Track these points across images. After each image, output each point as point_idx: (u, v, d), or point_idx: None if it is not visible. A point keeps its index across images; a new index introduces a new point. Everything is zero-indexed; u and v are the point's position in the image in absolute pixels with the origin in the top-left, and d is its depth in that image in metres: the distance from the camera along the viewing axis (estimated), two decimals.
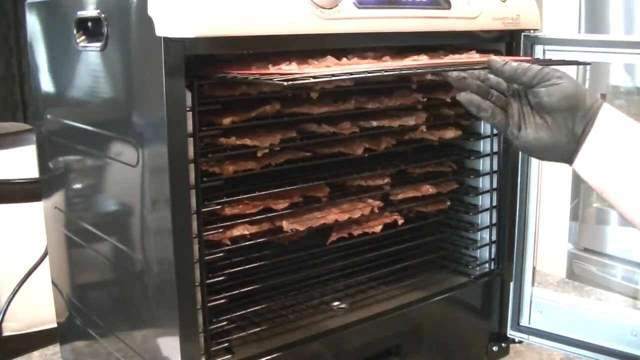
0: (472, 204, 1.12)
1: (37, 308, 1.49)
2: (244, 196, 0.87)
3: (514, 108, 0.80)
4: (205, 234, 0.81)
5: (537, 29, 1.00)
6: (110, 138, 0.86)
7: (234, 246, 0.86)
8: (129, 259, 0.85)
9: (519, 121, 0.80)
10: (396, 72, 0.82)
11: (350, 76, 0.78)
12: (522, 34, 0.99)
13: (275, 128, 0.89)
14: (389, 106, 0.98)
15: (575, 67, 2.25)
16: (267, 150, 0.86)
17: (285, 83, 0.69)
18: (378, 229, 1.01)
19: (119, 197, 0.89)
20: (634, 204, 0.72)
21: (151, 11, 0.71)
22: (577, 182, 2.18)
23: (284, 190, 0.91)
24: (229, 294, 0.85)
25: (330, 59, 0.82)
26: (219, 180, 0.83)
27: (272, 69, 0.78)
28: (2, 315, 1.27)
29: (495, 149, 1.07)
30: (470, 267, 1.10)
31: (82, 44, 0.87)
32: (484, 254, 1.11)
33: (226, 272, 0.84)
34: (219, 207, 0.83)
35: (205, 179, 0.80)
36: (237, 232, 0.86)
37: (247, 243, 0.88)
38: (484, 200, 1.10)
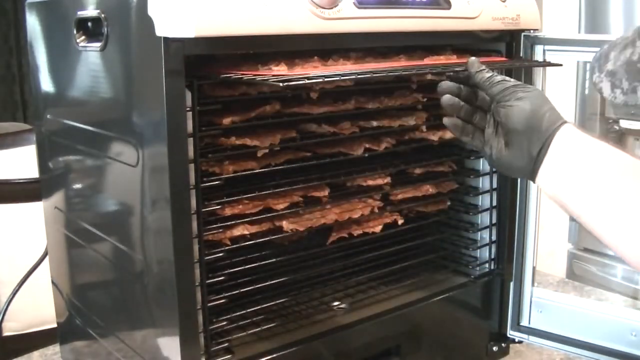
0: (472, 204, 1.12)
1: (37, 308, 1.49)
2: (244, 196, 0.87)
3: (490, 128, 0.81)
4: (205, 234, 0.81)
5: (537, 29, 1.00)
6: (110, 138, 0.86)
7: (234, 246, 0.86)
8: (129, 259, 0.85)
9: (490, 142, 0.81)
10: (385, 74, 0.83)
11: (342, 78, 0.78)
12: (522, 34, 0.99)
13: (275, 128, 0.89)
14: (389, 106, 0.98)
15: (575, 67, 2.25)
16: (267, 150, 0.86)
17: (281, 84, 0.70)
18: (378, 229, 1.01)
19: (119, 197, 0.89)
20: (597, 220, 0.72)
21: (151, 11, 0.71)
22: None
23: (284, 190, 0.91)
24: (229, 294, 0.85)
25: (317, 60, 0.83)
26: (219, 180, 0.82)
27: (261, 70, 0.78)
28: (2, 315, 1.27)
29: None
30: (470, 267, 1.10)
31: (82, 44, 0.87)
32: (484, 254, 1.11)
33: (226, 272, 0.84)
34: (219, 207, 0.83)
35: (205, 179, 0.80)
36: (237, 232, 0.86)
37: (247, 243, 0.88)
38: (484, 200, 1.10)
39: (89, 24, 0.86)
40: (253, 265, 0.89)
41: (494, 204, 1.09)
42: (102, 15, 0.81)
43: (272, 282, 0.93)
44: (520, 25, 0.98)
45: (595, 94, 2.25)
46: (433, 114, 1.03)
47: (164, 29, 0.70)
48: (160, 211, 0.77)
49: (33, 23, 1.01)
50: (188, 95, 0.75)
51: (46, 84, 1.02)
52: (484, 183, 1.10)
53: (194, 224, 0.78)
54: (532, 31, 1.00)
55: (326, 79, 0.75)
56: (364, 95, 0.97)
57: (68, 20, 0.88)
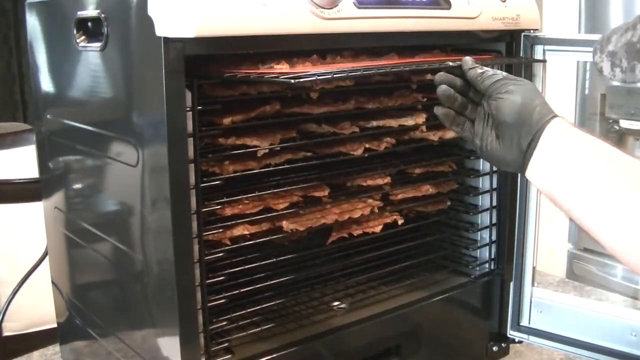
0: (472, 204, 1.12)
1: (37, 308, 1.49)
2: (244, 196, 0.88)
3: (481, 121, 0.82)
4: (205, 234, 0.81)
5: (537, 29, 1.00)
6: (110, 138, 0.86)
7: (234, 246, 0.86)
8: (129, 259, 0.85)
9: (480, 135, 0.81)
10: (389, 70, 0.82)
11: (349, 74, 0.79)
12: (522, 34, 0.99)
13: (275, 128, 0.89)
14: (389, 106, 0.98)
15: (575, 68, 2.26)
16: (267, 150, 0.86)
17: (293, 81, 0.70)
18: (378, 229, 1.01)
19: (119, 197, 0.89)
20: (586, 214, 0.73)
21: (151, 11, 0.71)
22: None
23: (284, 190, 0.91)
24: (229, 294, 0.85)
25: (316, 58, 0.83)
26: (219, 180, 0.82)
27: (262, 69, 0.78)
28: (2, 315, 1.27)
29: None
30: (470, 267, 1.10)
31: (82, 44, 0.87)
32: (484, 254, 1.11)
33: (226, 272, 0.84)
34: (219, 207, 0.83)
35: (205, 179, 0.80)
36: (237, 232, 0.86)
37: (247, 243, 0.88)
38: (484, 200, 1.10)
39: (89, 24, 0.86)
40: (253, 265, 0.89)
41: (494, 204, 1.09)
42: (102, 15, 0.81)
43: (272, 282, 0.93)
44: (520, 25, 0.98)
45: (595, 94, 2.25)
46: (433, 114, 1.02)
47: (164, 29, 0.70)
48: (160, 211, 0.77)
49: (33, 23, 1.01)
50: (188, 95, 0.75)
51: (46, 84, 1.02)
52: (484, 183, 1.10)
53: (194, 224, 0.78)
54: (532, 31, 1.00)
55: (335, 75, 0.76)
56: (364, 95, 0.97)
57: (68, 20, 0.88)
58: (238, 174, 0.85)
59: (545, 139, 0.75)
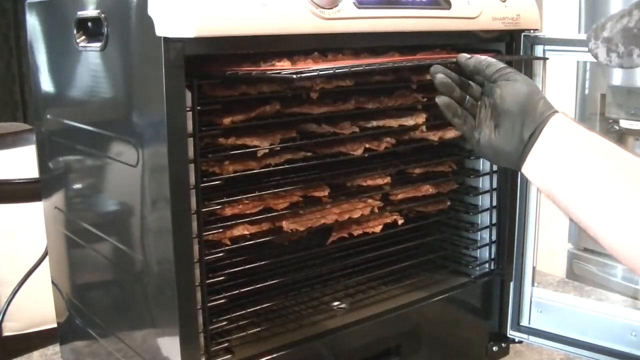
0: (472, 204, 1.12)
1: (37, 308, 1.49)
2: (244, 196, 0.88)
3: (481, 112, 0.81)
4: (205, 234, 0.81)
5: (537, 29, 1.00)
6: (110, 138, 0.86)
7: (234, 246, 0.86)
8: (129, 259, 0.85)
9: (479, 127, 0.80)
10: (389, 66, 0.83)
11: (351, 69, 0.78)
12: (522, 34, 0.99)
13: (275, 128, 0.89)
14: (389, 106, 0.98)
15: (575, 68, 2.26)
16: (267, 150, 0.86)
17: (295, 76, 0.70)
18: (378, 229, 1.01)
19: (119, 197, 0.89)
20: (585, 212, 0.72)
21: (151, 11, 0.71)
22: None
23: (284, 190, 0.91)
24: (229, 294, 0.85)
25: (317, 56, 0.83)
26: (219, 180, 0.82)
27: (264, 66, 0.78)
28: (2, 315, 1.27)
29: None
30: (470, 267, 1.10)
31: (82, 44, 0.87)
32: (484, 254, 1.11)
33: (226, 272, 0.84)
34: (219, 207, 0.83)
35: (205, 179, 0.80)
36: (237, 232, 0.86)
37: (247, 243, 0.88)
38: (484, 200, 1.10)
39: (89, 24, 0.86)
40: (253, 265, 0.89)
41: (494, 204, 1.09)
42: (102, 15, 0.81)
43: (272, 282, 0.93)
44: (520, 25, 0.98)
45: (595, 94, 2.25)
46: (433, 114, 1.03)
47: (164, 29, 0.70)
48: (160, 211, 0.77)
49: (33, 23, 1.01)
50: (188, 95, 0.75)
51: (46, 84, 1.02)
52: (484, 183, 1.10)
53: (194, 224, 0.78)
54: (532, 31, 1.00)
55: (337, 71, 0.75)
56: (364, 95, 0.97)
57: (68, 20, 0.88)
58: (238, 174, 0.85)
59: (547, 132, 0.74)
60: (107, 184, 0.91)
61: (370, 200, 0.99)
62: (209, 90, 0.82)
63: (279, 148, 0.88)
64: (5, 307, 1.26)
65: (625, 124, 2.20)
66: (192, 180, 0.77)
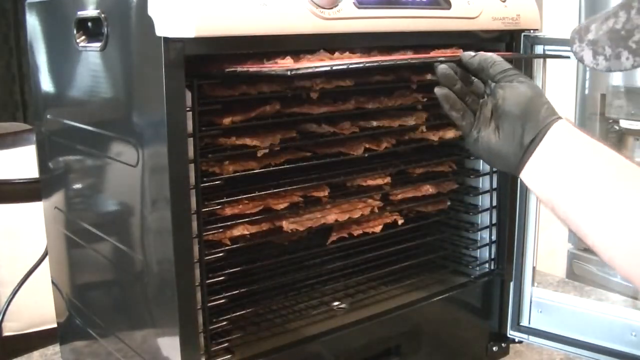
0: (472, 204, 1.12)
1: (37, 308, 1.49)
2: (244, 196, 0.87)
3: (482, 111, 0.79)
4: (205, 234, 0.81)
5: (537, 29, 1.00)
6: (110, 138, 0.86)
7: (234, 246, 0.86)
8: (129, 259, 0.85)
9: (479, 125, 0.78)
10: (390, 63, 0.82)
11: (350, 66, 0.77)
12: (522, 34, 0.99)
13: (275, 128, 0.89)
14: (389, 106, 0.98)
15: (575, 67, 2.26)
16: (267, 150, 0.86)
17: (289, 72, 0.70)
18: (378, 229, 1.01)
19: (119, 197, 0.89)
20: (583, 221, 0.71)
21: (151, 11, 0.71)
22: None
23: (284, 190, 0.91)
24: (229, 294, 0.85)
25: (323, 54, 0.83)
26: (219, 180, 0.83)
27: (267, 64, 0.78)
28: (2, 315, 1.27)
29: None
30: (470, 267, 1.10)
31: (82, 44, 0.87)
32: (484, 254, 1.11)
33: (226, 272, 0.84)
34: (219, 207, 0.83)
35: (205, 179, 0.80)
36: (237, 232, 0.86)
37: (247, 243, 0.88)
38: (484, 200, 1.10)
39: (89, 24, 0.86)
40: (253, 265, 0.89)
41: (494, 204, 1.09)
42: (102, 15, 0.81)
43: (272, 282, 0.93)
44: (520, 25, 0.98)
45: (595, 94, 2.26)
46: (433, 114, 1.03)
47: (164, 29, 0.70)
48: (160, 211, 0.77)
49: (33, 23, 1.01)
50: (188, 95, 0.75)
51: (46, 84, 1.02)
52: (484, 183, 1.10)
53: (194, 224, 0.78)
54: (532, 31, 1.00)
55: (334, 67, 0.75)
56: (364, 95, 0.97)
57: (68, 20, 0.88)
58: (238, 174, 0.85)
59: (549, 138, 0.73)
60: (107, 184, 0.91)
61: (370, 200, 0.99)
62: (209, 90, 0.82)
63: (279, 148, 0.88)
64: (5, 307, 1.26)
65: (625, 124, 2.20)
66: (192, 180, 0.77)
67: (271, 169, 0.89)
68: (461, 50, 0.94)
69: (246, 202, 0.88)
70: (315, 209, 0.95)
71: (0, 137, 1.91)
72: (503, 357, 1.12)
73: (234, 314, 0.86)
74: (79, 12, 0.86)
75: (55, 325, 1.15)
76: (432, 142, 1.03)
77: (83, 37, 0.87)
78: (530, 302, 1.07)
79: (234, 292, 0.86)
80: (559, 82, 2.04)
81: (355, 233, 0.98)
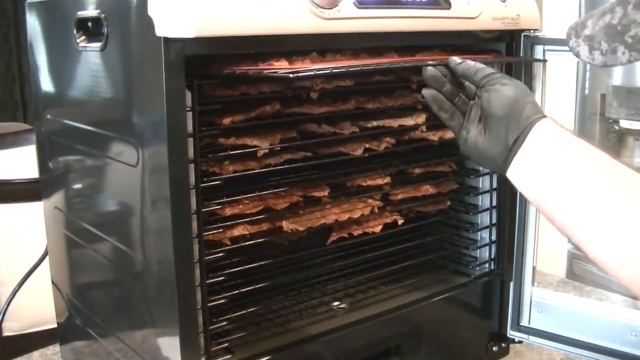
0: (472, 204, 1.12)
1: (37, 308, 1.49)
2: (244, 196, 0.88)
3: (471, 113, 0.81)
4: (205, 234, 0.81)
5: (537, 29, 1.00)
6: (110, 138, 0.86)
7: (234, 246, 0.86)
8: (129, 259, 0.85)
9: (468, 126, 0.80)
10: (387, 67, 0.84)
11: (349, 69, 0.79)
12: (522, 34, 0.99)
13: (275, 128, 0.89)
14: (389, 106, 0.98)
15: (575, 67, 2.26)
16: (267, 150, 0.86)
17: (292, 75, 0.70)
18: (378, 229, 1.01)
19: (119, 197, 0.89)
20: (569, 219, 0.71)
21: (151, 11, 0.71)
22: None
23: (284, 190, 0.91)
24: (229, 294, 0.85)
25: (315, 56, 0.83)
26: (219, 180, 0.83)
27: (262, 66, 0.78)
28: (2, 315, 1.27)
29: None
30: (470, 267, 1.10)
31: (82, 44, 0.87)
32: (484, 254, 1.11)
33: (226, 272, 0.84)
34: (219, 207, 0.83)
35: (205, 179, 0.80)
36: (237, 232, 0.86)
37: (247, 243, 0.88)
38: (484, 200, 1.10)
39: (89, 24, 0.86)
40: (253, 265, 0.89)
41: (494, 204, 1.09)
42: (102, 15, 0.81)
43: (272, 282, 0.93)
44: (520, 25, 0.98)
45: (595, 94, 2.25)
46: (433, 114, 1.03)
47: (164, 29, 0.70)
48: (160, 211, 0.77)
49: (33, 23, 1.01)
50: (188, 95, 0.75)
51: (46, 84, 1.02)
52: (484, 183, 1.10)
53: (194, 224, 0.78)
54: (532, 31, 1.00)
55: (334, 71, 0.76)
56: (364, 95, 0.97)
57: (68, 20, 0.88)
58: (238, 174, 0.85)
59: (533, 137, 0.74)
60: (107, 184, 0.91)
61: (370, 200, 0.99)
62: (209, 90, 0.82)
63: (279, 148, 0.88)
64: (5, 307, 1.26)
65: (625, 124, 2.20)
66: (192, 180, 0.77)
67: (271, 169, 0.89)
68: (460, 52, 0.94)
69: (246, 202, 0.88)
70: (315, 209, 0.95)
71: (0, 137, 1.91)
72: (503, 357, 1.12)
73: (234, 314, 0.86)
74: (79, 12, 0.86)
75: (55, 325, 1.15)
76: (432, 142, 1.03)
77: (83, 37, 0.87)
78: (530, 302, 1.07)
79: (234, 292, 0.86)
80: (559, 82, 2.04)
81: (355, 233, 0.98)
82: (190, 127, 0.75)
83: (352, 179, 0.98)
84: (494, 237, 1.09)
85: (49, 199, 1.07)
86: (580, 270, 2.25)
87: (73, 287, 1.07)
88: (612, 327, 0.99)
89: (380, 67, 0.81)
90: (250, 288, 0.88)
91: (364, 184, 0.99)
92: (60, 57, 0.95)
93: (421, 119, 1.01)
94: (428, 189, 1.06)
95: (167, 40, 0.70)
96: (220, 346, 0.84)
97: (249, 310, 0.89)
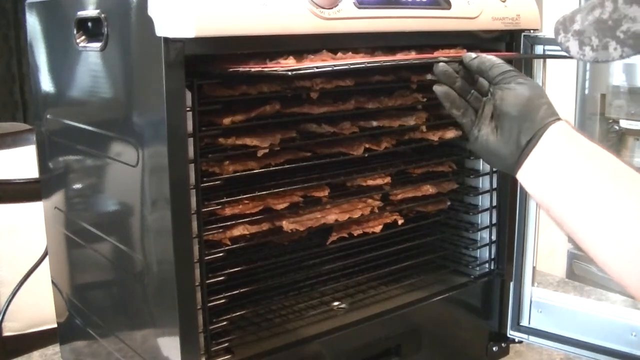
0: (472, 204, 1.12)
1: (37, 308, 1.49)
2: (244, 196, 0.88)
3: (483, 110, 0.79)
4: (205, 234, 0.81)
5: (537, 29, 1.00)
6: (110, 138, 0.86)
7: (234, 246, 0.86)
8: (129, 259, 0.85)
9: (479, 124, 0.79)
10: (391, 64, 0.82)
11: (351, 67, 0.78)
12: (522, 34, 0.99)
13: (275, 128, 0.89)
14: (389, 106, 0.98)
15: (575, 67, 2.26)
16: (267, 150, 0.86)
17: (290, 73, 0.70)
18: (378, 229, 1.01)
19: (119, 197, 0.89)
20: (579, 224, 0.70)
21: (151, 11, 0.71)
22: None
23: (284, 190, 0.91)
24: (229, 294, 0.85)
25: (326, 54, 0.83)
26: (219, 180, 0.83)
27: (270, 64, 0.78)
28: (2, 315, 1.27)
29: None
30: (470, 267, 1.10)
31: (82, 44, 0.87)
32: (484, 254, 1.11)
33: (226, 272, 0.84)
34: (219, 207, 0.83)
35: (205, 179, 0.80)
36: (237, 232, 0.86)
37: (247, 243, 0.88)
38: (484, 200, 1.10)
39: (89, 24, 0.86)
40: (253, 265, 0.89)
41: (494, 204, 1.09)
42: (102, 15, 0.81)
43: (272, 282, 0.93)
44: (520, 25, 0.98)
45: (595, 94, 2.26)
46: (433, 114, 1.03)
47: (164, 29, 0.70)
48: (160, 211, 0.77)
49: (33, 23, 1.01)
50: (188, 95, 0.75)
51: (46, 84, 1.02)
52: (484, 183, 1.10)
53: (194, 224, 0.78)
54: (532, 31, 1.00)
55: (335, 68, 0.75)
56: (363, 95, 0.97)
57: (68, 20, 0.88)
58: (238, 174, 0.85)
59: (546, 139, 0.73)
60: (107, 184, 0.91)
61: (370, 200, 0.99)
62: (209, 90, 0.82)
63: (279, 148, 0.88)
64: (5, 307, 1.26)
65: (625, 124, 2.20)
66: (192, 180, 0.77)
67: (271, 169, 0.89)
68: (465, 50, 0.94)
69: (246, 202, 0.88)
70: (315, 209, 0.95)
71: (0, 137, 1.91)
72: (503, 357, 1.12)
73: (234, 314, 0.86)
74: (79, 12, 0.86)
75: (55, 325, 1.15)
76: (432, 142, 1.03)
77: (83, 37, 0.87)
78: (530, 302, 1.07)
79: (234, 292, 0.86)
80: (559, 82, 2.04)
81: (355, 233, 0.98)
82: (190, 127, 0.75)
83: (352, 179, 0.98)
84: (494, 237, 1.09)
85: (49, 199, 1.07)
86: (580, 270, 2.25)
87: (73, 287, 1.07)
88: (612, 327, 0.99)
89: (385, 64, 0.80)
90: (250, 288, 0.88)
91: (364, 184, 0.99)
92: (60, 57, 0.95)
93: (421, 119, 1.01)
94: (428, 189, 1.06)
95: (167, 40, 0.70)
96: (220, 346, 0.84)
97: (249, 310, 0.89)
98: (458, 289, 1.07)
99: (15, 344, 1.63)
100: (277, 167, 0.89)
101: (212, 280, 0.82)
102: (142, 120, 0.79)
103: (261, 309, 0.92)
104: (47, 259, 1.14)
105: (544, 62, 1.00)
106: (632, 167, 0.71)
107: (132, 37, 0.79)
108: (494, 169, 1.07)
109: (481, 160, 1.09)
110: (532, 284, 1.07)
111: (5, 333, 1.67)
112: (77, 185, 1.00)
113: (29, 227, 1.59)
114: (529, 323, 1.08)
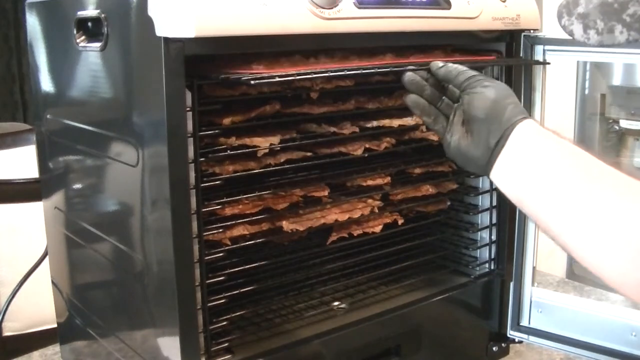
0: (472, 204, 1.12)
1: (37, 308, 1.49)
2: (244, 196, 0.88)
3: (454, 116, 0.80)
4: (205, 234, 0.81)
5: (537, 29, 1.00)
6: (110, 138, 0.86)
7: (234, 246, 0.86)
8: (129, 259, 0.85)
9: (451, 130, 0.80)
10: (355, 72, 0.83)
11: (315, 76, 0.80)
12: (522, 34, 0.99)
13: (275, 128, 0.89)
14: (389, 106, 0.98)
15: (575, 68, 2.26)
16: (267, 150, 0.86)
17: (252, 82, 0.71)
18: (378, 229, 1.01)
19: (119, 197, 0.89)
20: (552, 220, 0.71)
21: (151, 11, 0.71)
22: None
23: (284, 190, 0.91)
24: (229, 294, 0.85)
25: (299, 59, 0.84)
26: (219, 180, 0.83)
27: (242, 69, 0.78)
28: (2, 315, 1.27)
29: None
30: (470, 267, 1.10)
31: (82, 44, 0.87)
32: (484, 254, 1.11)
33: (226, 272, 0.84)
34: (219, 207, 0.83)
35: (205, 179, 0.80)
36: (237, 232, 0.86)
37: (247, 243, 0.88)
38: (484, 200, 1.10)
39: (89, 24, 0.86)
40: (253, 265, 0.89)
41: (494, 204, 1.09)
42: (102, 15, 0.81)
43: (272, 282, 0.93)
44: (520, 25, 0.98)
45: (595, 94, 2.25)
46: None
47: (164, 29, 0.70)
48: (160, 211, 0.77)
49: (33, 23, 1.01)
50: (188, 95, 0.75)
51: (46, 84, 1.02)
52: (484, 183, 1.10)
53: (194, 224, 0.78)
54: (532, 31, 1.00)
55: (298, 77, 0.76)
56: (363, 95, 0.97)
57: (68, 20, 0.88)
58: (238, 174, 0.85)
59: (514, 138, 0.73)
60: (107, 184, 0.91)
61: (370, 200, 0.99)
62: (209, 90, 0.82)
63: (279, 148, 0.88)
64: (5, 307, 1.26)
65: (625, 124, 2.20)
66: (192, 180, 0.77)
67: (271, 169, 0.89)
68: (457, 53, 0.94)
69: (246, 202, 0.88)
70: (315, 209, 0.95)
71: (0, 137, 1.91)
72: (503, 357, 1.12)
73: (234, 314, 0.86)
74: (79, 12, 0.86)
75: (55, 325, 1.15)
76: (432, 142, 1.03)
77: (83, 37, 0.87)
78: (530, 302, 1.07)
79: (234, 292, 0.86)
80: (559, 82, 2.04)
81: (355, 233, 0.98)
82: (190, 127, 0.75)
83: (352, 179, 0.98)
84: (494, 237, 1.09)
85: (49, 199, 1.07)
86: (580, 270, 2.25)
87: (73, 287, 1.07)
88: (612, 327, 0.99)
89: (349, 73, 0.81)
90: (250, 288, 0.88)
91: (364, 184, 0.99)
92: (60, 57, 0.95)
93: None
94: (428, 189, 1.06)
95: (167, 40, 0.70)
96: (220, 346, 0.84)
97: (248, 310, 0.89)
98: (458, 289, 1.07)
99: (15, 344, 1.63)
100: (277, 167, 0.89)
101: (212, 280, 0.82)
102: (142, 120, 0.79)
103: (261, 309, 0.92)
104: (47, 259, 1.14)
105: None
106: (600, 160, 0.71)
107: (132, 37, 0.79)
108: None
109: None
110: (532, 284, 1.07)
111: (5, 333, 1.67)
112: (77, 185, 1.00)
113: (29, 227, 1.59)
114: (529, 323, 1.08)
